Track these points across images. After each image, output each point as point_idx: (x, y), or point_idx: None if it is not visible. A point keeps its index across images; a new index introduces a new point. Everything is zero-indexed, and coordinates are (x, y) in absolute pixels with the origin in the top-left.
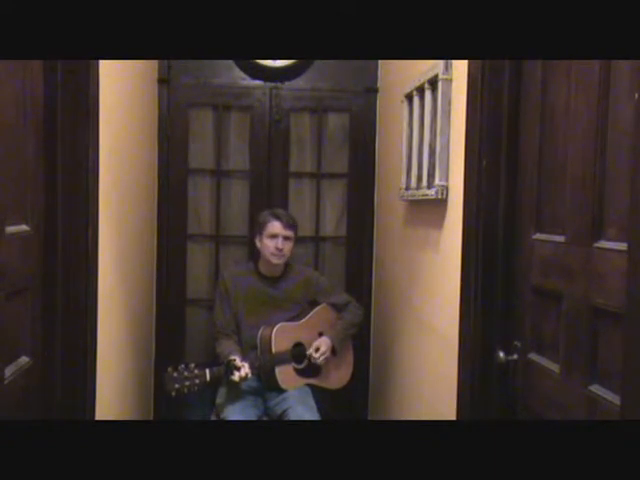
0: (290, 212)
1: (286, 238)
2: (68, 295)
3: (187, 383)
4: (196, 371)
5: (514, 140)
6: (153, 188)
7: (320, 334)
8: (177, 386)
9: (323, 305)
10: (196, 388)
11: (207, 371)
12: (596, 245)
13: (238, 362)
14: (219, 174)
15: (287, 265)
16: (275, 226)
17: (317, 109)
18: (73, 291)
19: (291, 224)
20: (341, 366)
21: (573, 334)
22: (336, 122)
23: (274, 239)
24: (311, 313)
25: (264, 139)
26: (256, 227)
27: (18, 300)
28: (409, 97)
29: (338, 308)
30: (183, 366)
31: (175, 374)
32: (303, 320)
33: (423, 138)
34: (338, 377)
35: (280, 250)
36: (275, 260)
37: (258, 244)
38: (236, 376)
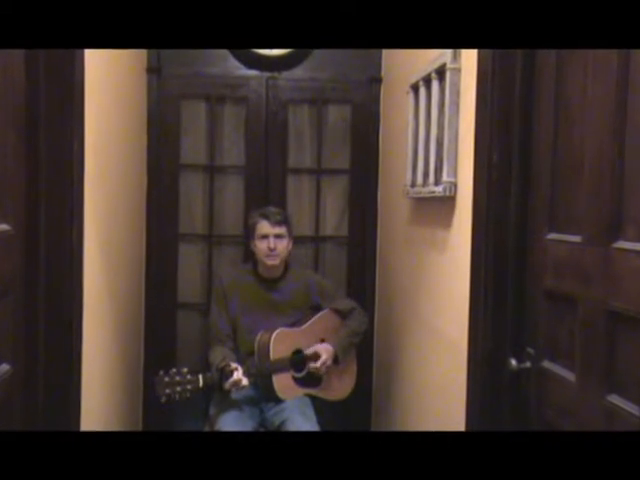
0: (287, 210)
1: (278, 236)
2: (51, 298)
3: (178, 389)
4: (189, 376)
5: (527, 134)
6: (142, 185)
7: (322, 341)
8: (168, 391)
9: (326, 311)
10: (188, 394)
11: (200, 377)
12: (614, 245)
13: (232, 364)
14: (213, 170)
15: (287, 267)
16: (264, 226)
17: (317, 100)
18: (57, 294)
19: (280, 221)
20: (343, 376)
21: (589, 340)
22: (337, 114)
23: (265, 240)
24: (313, 319)
25: (260, 132)
26: (247, 230)
27: None
28: (415, 88)
29: (342, 314)
30: (175, 370)
31: (166, 378)
32: (304, 326)
33: (430, 131)
34: (340, 388)
35: (273, 250)
36: (270, 261)
37: (253, 247)
38: (228, 383)
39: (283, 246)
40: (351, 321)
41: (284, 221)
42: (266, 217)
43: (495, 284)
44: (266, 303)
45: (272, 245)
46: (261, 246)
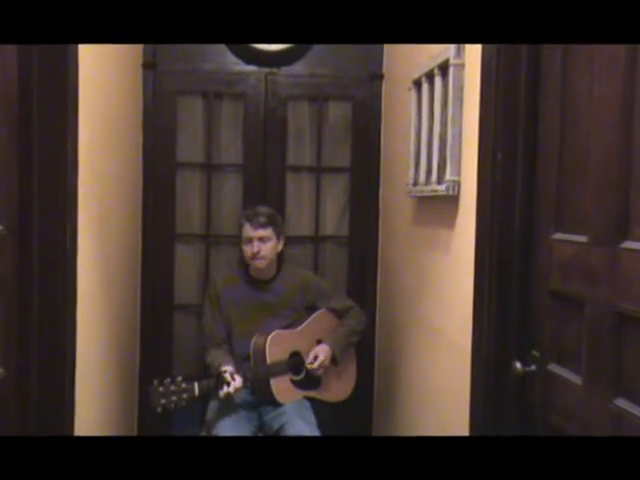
0: (286, 210)
1: (261, 239)
2: (45, 300)
3: (174, 398)
4: (184, 385)
5: (532, 131)
6: (138, 184)
7: (319, 342)
8: (163, 401)
9: (322, 311)
10: (184, 403)
11: (196, 385)
12: (622, 246)
13: (228, 376)
14: (210, 168)
15: (280, 267)
16: (246, 229)
17: (317, 97)
18: (50, 296)
19: (263, 223)
20: (342, 377)
21: (597, 343)
22: (337, 111)
23: (249, 244)
24: (309, 319)
25: (259, 130)
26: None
27: None
28: (417, 84)
29: (339, 314)
30: (169, 379)
31: (161, 388)
32: (300, 327)
33: (433, 129)
34: (339, 389)
35: (256, 254)
36: (255, 264)
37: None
38: (222, 393)
39: (268, 248)
40: (348, 320)
41: (268, 222)
42: (249, 220)
43: (499, 285)
44: (260, 305)
45: (255, 249)
46: (246, 249)
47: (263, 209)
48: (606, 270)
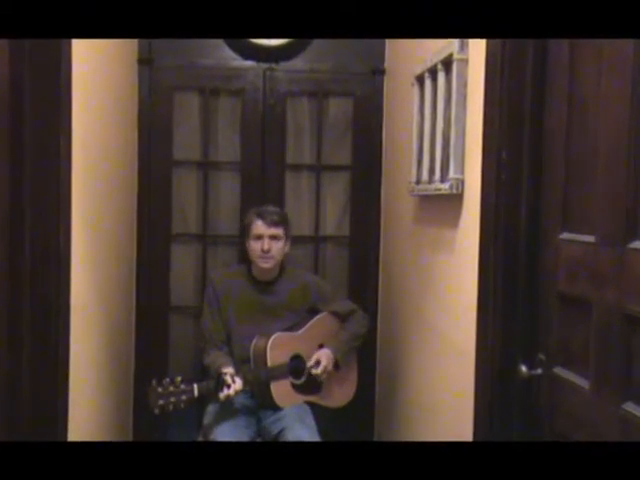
0: (286, 209)
1: (273, 238)
2: (37, 302)
3: (172, 399)
4: (182, 386)
5: (538, 128)
6: (133, 182)
7: (321, 346)
8: (161, 402)
9: (324, 314)
10: (182, 405)
11: (195, 386)
12: (630, 246)
13: (229, 378)
14: (207, 166)
15: (283, 268)
16: (258, 226)
17: (317, 93)
18: (42, 297)
19: (276, 221)
20: (344, 382)
21: (605, 346)
22: (338, 108)
23: (259, 241)
24: (311, 322)
25: (257, 127)
26: (243, 229)
27: None
28: (420, 80)
29: (341, 317)
30: (168, 380)
31: (159, 389)
32: (302, 330)
33: (436, 126)
34: (341, 394)
35: (266, 252)
36: (263, 264)
37: (247, 248)
38: (222, 395)
39: (278, 248)
40: (350, 324)
41: (281, 222)
42: (261, 217)
43: (504, 286)
44: (261, 306)
45: (266, 247)
46: (255, 247)
47: (274, 208)
48: (614, 271)
